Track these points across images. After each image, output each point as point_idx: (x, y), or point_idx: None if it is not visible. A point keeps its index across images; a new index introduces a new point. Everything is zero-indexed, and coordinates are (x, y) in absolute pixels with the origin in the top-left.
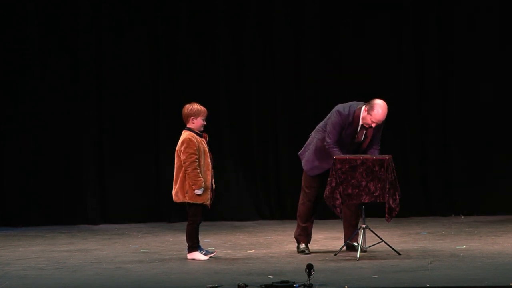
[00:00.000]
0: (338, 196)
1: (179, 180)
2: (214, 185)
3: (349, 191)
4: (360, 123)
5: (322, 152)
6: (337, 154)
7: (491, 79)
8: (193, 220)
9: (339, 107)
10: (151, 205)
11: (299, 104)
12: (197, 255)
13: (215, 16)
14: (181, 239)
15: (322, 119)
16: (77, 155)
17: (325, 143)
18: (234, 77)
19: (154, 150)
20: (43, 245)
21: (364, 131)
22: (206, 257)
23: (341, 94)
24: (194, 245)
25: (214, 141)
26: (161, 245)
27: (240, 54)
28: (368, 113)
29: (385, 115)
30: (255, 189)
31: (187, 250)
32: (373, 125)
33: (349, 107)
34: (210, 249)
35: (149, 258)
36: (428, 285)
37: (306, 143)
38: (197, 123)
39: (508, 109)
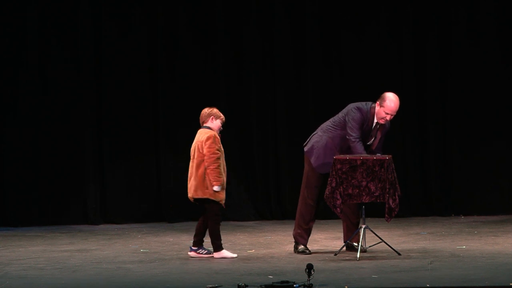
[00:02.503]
0: (339, 196)
1: (198, 176)
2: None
3: (350, 191)
4: (375, 121)
5: (331, 150)
6: (360, 149)
7: (491, 79)
8: (215, 219)
9: (357, 104)
10: (151, 205)
11: (300, 104)
12: (226, 253)
13: (215, 17)
14: (182, 239)
15: (322, 120)
16: (77, 155)
17: (348, 137)
18: (234, 77)
19: (154, 151)
20: (43, 245)
21: (376, 130)
22: (234, 254)
23: (341, 95)
24: (220, 244)
25: None
26: (161, 245)
27: (240, 54)
28: (381, 106)
29: (398, 105)
30: (255, 189)
31: (213, 250)
32: (388, 117)
33: (366, 104)
34: (211, 249)
35: (149, 258)
36: (428, 285)
37: (314, 140)
38: (216, 124)
39: (508, 109)
